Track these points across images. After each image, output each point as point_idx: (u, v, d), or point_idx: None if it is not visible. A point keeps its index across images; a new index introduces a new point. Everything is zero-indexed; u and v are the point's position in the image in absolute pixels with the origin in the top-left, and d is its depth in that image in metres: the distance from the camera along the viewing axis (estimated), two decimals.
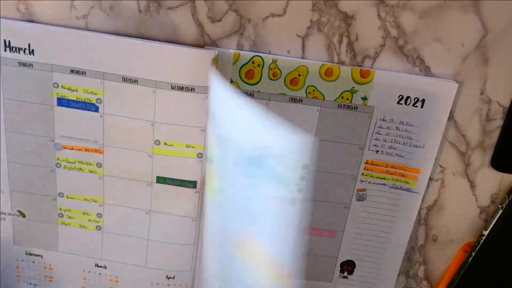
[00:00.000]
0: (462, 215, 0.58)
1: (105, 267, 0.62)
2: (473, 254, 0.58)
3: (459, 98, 0.53)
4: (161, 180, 0.56)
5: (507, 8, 0.48)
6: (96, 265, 0.62)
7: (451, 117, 0.54)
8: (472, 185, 0.57)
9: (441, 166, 0.56)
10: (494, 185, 0.57)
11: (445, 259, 0.61)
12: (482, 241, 0.57)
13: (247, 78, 0.52)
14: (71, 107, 0.54)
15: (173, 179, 0.56)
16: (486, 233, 0.57)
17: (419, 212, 0.58)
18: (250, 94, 0.53)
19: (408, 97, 0.52)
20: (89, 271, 0.63)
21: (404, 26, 0.50)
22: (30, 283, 0.64)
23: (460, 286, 0.59)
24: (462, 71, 0.52)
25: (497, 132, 0.54)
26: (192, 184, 0.57)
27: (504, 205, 0.56)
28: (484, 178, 0.56)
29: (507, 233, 0.57)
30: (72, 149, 0.56)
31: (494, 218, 0.56)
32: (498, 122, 0.54)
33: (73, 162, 0.57)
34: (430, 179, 0.57)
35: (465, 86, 0.52)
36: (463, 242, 0.60)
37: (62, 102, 0.54)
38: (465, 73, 0.52)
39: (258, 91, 0.52)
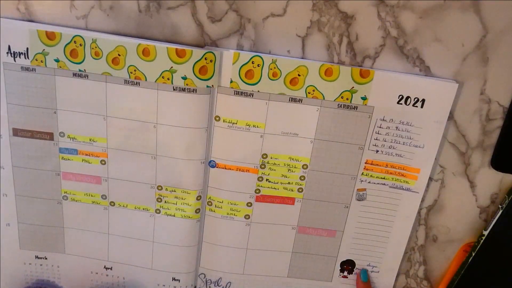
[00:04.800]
0: (462, 215, 0.54)
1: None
2: (473, 254, 0.53)
3: (459, 98, 0.48)
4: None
5: (507, 8, 0.44)
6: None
7: (451, 117, 0.49)
8: (472, 185, 0.52)
9: (441, 166, 0.51)
10: (494, 185, 0.52)
11: (445, 259, 0.56)
12: (482, 241, 0.52)
13: (247, 78, 0.47)
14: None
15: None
16: (486, 233, 0.52)
17: (419, 212, 0.53)
18: (250, 94, 0.48)
19: (408, 97, 0.47)
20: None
21: (404, 26, 0.46)
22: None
23: (460, 286, 0.55)
24: (462, 71, 0.47)
25: (497, 132, 0.49)
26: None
27: (504, 205, 0.51)
28: (484, 178, 0.52)
29: (507, 233, 0.52)
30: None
31: (494, 218, 0.52)
32: (498, 122, 0.49)
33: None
34: (430, 179, 0.52)
35: (465, 86, 0.48)
36: (463, 242, 0.55)
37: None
38: (465, 73, 0.47)
39: (258, 91, 0.47)
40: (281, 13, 0.46)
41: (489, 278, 0.54)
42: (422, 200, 0.53)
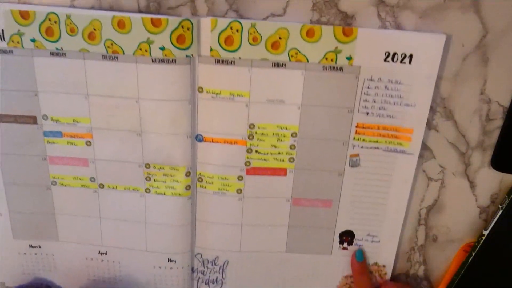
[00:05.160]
0: (462, 215, 0.53)
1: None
2: (473, 254, 0.52)
3: (459, 98, 0.48)
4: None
5: (507, 8, 0.44)
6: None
7: (451, 117, 0.48)
8: (472, 185, 0.52)
9: (441, 166, 0.51)
10: (494, 185, 0.51)
11: (445, 259, 0.56)
12: (482, 241, 0.52)
13: (227, 45, 0.45)
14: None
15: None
16: (486, 233, 0.52)
17: (419, 212, 0.53)
18: (231, 62, 0.46)
19: (395, 54, 0.45)
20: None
21: (404, 26, 0.45)
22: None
23: (460, 286, 0.54)
24: (462, 71, 0.46)
25: (497, 132, 0.49)
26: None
27: (504, 205, 0.51)
28: (484, 178, 0.51)
29: (507, 233, 0.51)
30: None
31: (494, 218, 0.51)
32: (498, 122, 0.49)
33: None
34: (430, 179, 0.51)
35: (465, 86, 0.47)
36: (463, 242, 0.54)
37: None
38: (465, 73, 0.47)
39: (239, 58, 0.46)
40: (281, 13, 0.45)
41: (489, 278, 0.54)
42: (422, 200, 0.52)
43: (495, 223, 0.51)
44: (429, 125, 0.49)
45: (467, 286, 0.54)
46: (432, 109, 0.48)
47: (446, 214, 0.53)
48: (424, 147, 0.50)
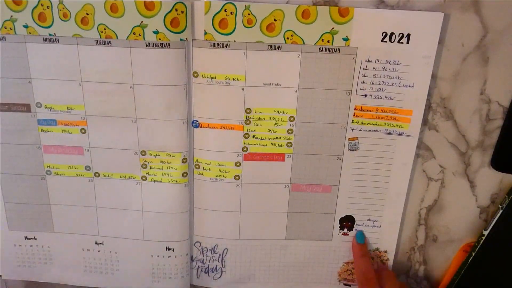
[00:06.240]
0: (462, 215, 0.54)
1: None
2: (473, 254, 0.53)
3: (459, 98, 0.48)
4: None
5: (507, 8, 0.45)
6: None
7: (451, 117, 0.49)
8: (472, 185, 0.52)
9: (441, 166, 0.51)
10: (494, 185, 0.52)
11: (445, 259, 0.56)
12: (482, 241, 0.52)
13: (221, 28, 0.46)
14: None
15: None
16: (486, 233, 0.52)
17: (419, 212, 0.54)
18: (226, 45, 0.46)
19: (392, 34, 0.46)
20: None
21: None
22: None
23: (460, 286, 0.54)
24: (462, 71, 0.47)
25: (497, 132, 0.50)
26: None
27: (504, 205, 0.51)
28: (484, 178, 0.52)
29: (507, 233, 0.52)
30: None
31: (494, 218, 0.52)
32: (498, 122, 0.49)
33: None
34: (430, 179, 0.52)
35: (465, 86, 0.48)
36: (463, 242, 0.55)
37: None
38: (465, 73, 0.47)
39: (234, 41, 0.46)
40: None
41: (489, 278, 0.54)
42: (422, 200, 0.53)
43: (495, 223, 0.51)
44: (429, 125, 0.50)
45: (467, 286, 0.54)
46: (432, 109, 0.49)
47: (446, 214, 0.54)
48: (424, 147, 0.51)
